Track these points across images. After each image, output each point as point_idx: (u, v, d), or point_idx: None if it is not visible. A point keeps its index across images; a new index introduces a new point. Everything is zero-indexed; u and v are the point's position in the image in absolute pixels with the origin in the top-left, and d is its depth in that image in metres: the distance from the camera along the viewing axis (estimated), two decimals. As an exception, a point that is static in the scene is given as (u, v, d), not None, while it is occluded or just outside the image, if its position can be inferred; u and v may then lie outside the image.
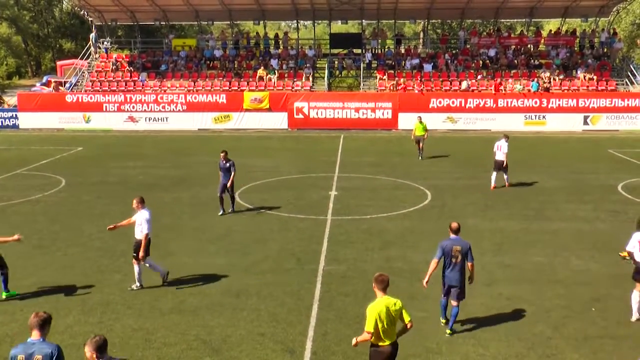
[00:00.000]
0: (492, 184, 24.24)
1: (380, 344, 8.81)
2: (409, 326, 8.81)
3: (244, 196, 23.17)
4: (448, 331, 11.89)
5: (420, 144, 30.68)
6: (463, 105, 41.74)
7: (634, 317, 12.31)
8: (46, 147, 35.68)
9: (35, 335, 7.37)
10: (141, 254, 13.68)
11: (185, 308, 13.08)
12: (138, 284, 14.05)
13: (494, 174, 24.23)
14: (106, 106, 43.48)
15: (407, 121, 39.03)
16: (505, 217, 20.12)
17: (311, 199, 22.77)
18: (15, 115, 44.61)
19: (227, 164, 20.29)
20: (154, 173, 27.96)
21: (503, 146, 24.05)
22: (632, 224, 18.60)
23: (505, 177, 24.46)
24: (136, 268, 13.98)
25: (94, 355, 6.95)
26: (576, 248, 16.87)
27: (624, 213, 20.48)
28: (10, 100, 52.20)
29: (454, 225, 11.96)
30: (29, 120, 44.00)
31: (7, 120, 44.79)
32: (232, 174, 20.27)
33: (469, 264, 11.65)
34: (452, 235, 11.85)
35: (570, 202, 21.98)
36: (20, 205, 22.24)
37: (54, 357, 7.23)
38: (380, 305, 8.69)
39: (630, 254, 12.53)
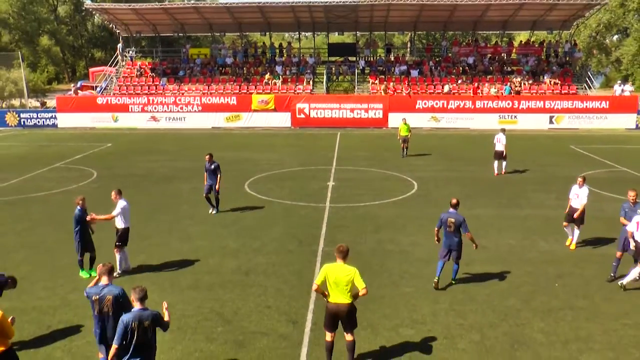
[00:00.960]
0: (495, 172, 25.19)
1: (329, 300, 9.12)
2: (361, 293, 8.95)
3: (252, 186, 23.13)
4: (453, 281, 13.02)
5: (405, 144, 29.94)
6: (445, 106, 41.65)
7: (624, 281, 12.64)
8: (80, 144, 35.56)
9: (104, 280, 8.46)
10: (92, 217, 13.62)
11: (201, 285, 13.07)
12: (119, 270, 13.67)
13: (495, 162, 25.17)
14: (132, 107, 43.38)
15: (396, 120, 38.49)
16: (481, 205, 20.09)
17: (311, 188, 22.70)
18: (55, 115, 44.53)
19: (212, 166, 18.77)
20: (174, 166, 27.88)
21: (502, 139, 24.90)
22: (590, 211, 18.61)
23: (504, 164, 25.20)
24: (117, 256, 13.75)
25: (136, 303, 7.81)
26: (543, 232, 16.86)
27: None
28: (50, 102, 52.13)
29: (453, 201, 12.94)
30: (66, 120, 43.93)
31: (48, 120, 44.69)
32: (219, 176, 18.75)
33: (467, 234, 12.56)
34: (451, 209, 12.82)
35: (538, 192, 21.95)
36: (59, 194, 22.18)
37: (121, 297, 8.33)
38: (332, 267, 9.07)
39: (632, 234, 12.69)
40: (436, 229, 12.87)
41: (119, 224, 13.72)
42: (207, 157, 18.98)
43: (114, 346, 7.67)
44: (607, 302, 12.01)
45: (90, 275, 13.36)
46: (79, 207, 13.42)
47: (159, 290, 12.56)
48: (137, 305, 7.79)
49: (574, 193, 15.51)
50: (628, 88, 44.45)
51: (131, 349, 7.68)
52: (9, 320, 8.12)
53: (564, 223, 15.71)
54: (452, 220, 12.54)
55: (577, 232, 15.47)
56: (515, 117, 41.34)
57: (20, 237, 16.78)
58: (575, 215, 15.21)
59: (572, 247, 15.46)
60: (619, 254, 13.15)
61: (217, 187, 18.83)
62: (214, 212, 19.17)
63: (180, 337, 10.55)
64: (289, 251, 15.37)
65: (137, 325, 7.63)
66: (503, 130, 25.61)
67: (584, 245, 15.67)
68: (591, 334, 10.59)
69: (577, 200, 15.36)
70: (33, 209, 20.07)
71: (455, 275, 13.03)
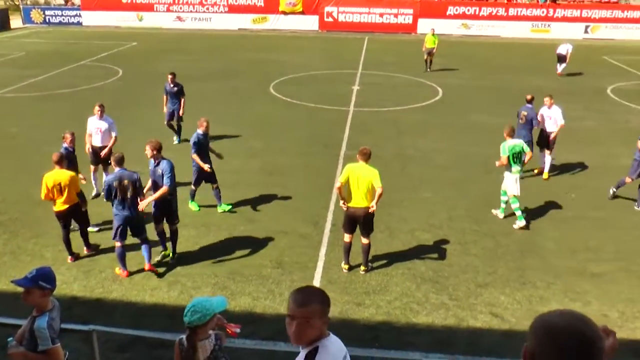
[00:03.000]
0: (558, 71, 26.96)
1: (348, 204, 9.29)
2: (377, 193, 9.04)
3: (277, 88, 23.12)
4: (545, 175, 14.06)
5: (430, 56, 27.40)
6: (477, 13, 40.52)
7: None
8: (106, 42, 35.46)
9: (117, 168, 9.19)
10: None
11: (225, 183, 13.32)
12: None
13: (558, 65, 26.99)
14: (157, 7, 42.87)
15: (426, 26, 37.99)
16: (506, 114, 19.69)
17: (336, 92, 22.62)
18: (79, 14, 44.22)
19: (175, 88, 15.99)
20: (200, 66, 27.80)
21: (569, 49, 26.64)
22: (616, 123, 18.49)
23: (562, 66, 26.87)
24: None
25: (115, 166, 9.23)
26: (565, 143, 16.66)
27: (609, 113, 20.17)
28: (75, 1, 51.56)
29: (528, 97, 14.08)
30: (90, 18, 43.63)
31: (72, 18, 44.41)
32: (182, 99, 16.05)
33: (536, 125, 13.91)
34: (527, 104, 13.95)
35: (565, 102, 21.39)
36: (86, 91, 22.47)
37: (137, 181, 9.21)
38: (355, 167, 9.24)
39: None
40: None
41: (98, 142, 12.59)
42: (170, 76, 16.10)
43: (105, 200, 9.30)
44: (621, 214, 12.10)
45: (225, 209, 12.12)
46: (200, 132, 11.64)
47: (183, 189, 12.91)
48: (116, 168, 9.17)
49: (546, 116, 14.07)
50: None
51: (117, 203, 9.17)
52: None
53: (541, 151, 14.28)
54: (525, 113, 13.76)
55: (549, 158, 14.15)
56: (548, 25, 40.09)
57: (50, 130, 17.10)
58: (552, 137, 13.98)
59: (545, 176, 14.10)
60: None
61: (180, 112, 16.12)
62: (176, 141, 16.28)
63: (204, 233, 10.97)
64: (312, 153, 15.57)
65: (118, 184, 9.03)
66: (569, 44, 27.15)
67: (604, 157, 15.59)
68: (601, 244, 10.75)
69: (550, 122, 13.99)
70: (60, 105, 20.41)
71: (548, 169, 14.11)
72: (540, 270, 9.76)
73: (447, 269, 9.79)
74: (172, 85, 16.01)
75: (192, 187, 11.95)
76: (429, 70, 27.46)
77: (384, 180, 9.24)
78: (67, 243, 9.84)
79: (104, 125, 12.47)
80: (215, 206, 12.03)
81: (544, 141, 14.16)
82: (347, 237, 9.58)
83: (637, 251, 10.51)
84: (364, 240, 9.51)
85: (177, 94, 16.02)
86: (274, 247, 10.47)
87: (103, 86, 23.21)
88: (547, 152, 14.14)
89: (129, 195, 9.14)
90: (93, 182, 12.62)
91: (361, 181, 9.06)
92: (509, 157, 11.45)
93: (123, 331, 7.64)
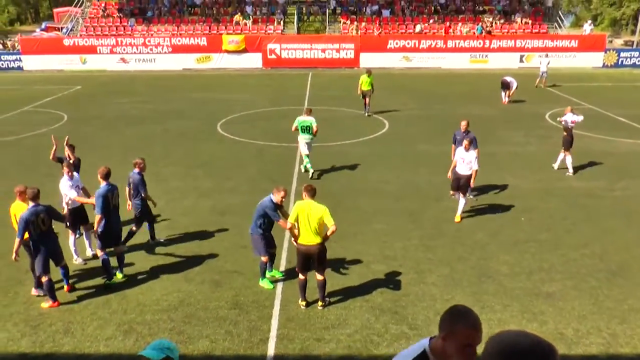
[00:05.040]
0: (503, 100, 28.14)
1: (299, 241, 9.23)
2: (330, 231, 8.96)
3: (225, 127, 23.01)
4: (457, 218, 13.31)
5: (367, 99, 24.90)
6: (417, 46, 41.47)
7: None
8: (48, 87, 34.73)
9: (32, 203, 9.31)
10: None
11: (177, 225, 13.14)
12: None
13: (502, 92, 28.28)
14: (100, 49, 42.33)
15: (368, 60, 39.40)
16: (451, 142, 20.21)
17: (284, 128, 22.58)
18: (20, 58, 43.23)
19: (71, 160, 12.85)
20: (146, 108, 27.50)
21: (514, 84, 27.71)
22: (556, 147, 19.07)
23: (507, 94, 27.99)
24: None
25: (30, 202, 9.32)
26: (510, 168, 17.17)
27: (550, 137, 20.81)
28: (11, 44, 50.39)
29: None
30: (31, 63, 42.67)
31: (12, 62, 43.35)
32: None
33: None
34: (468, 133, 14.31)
35: (507, 129, 22.21)
36: (30, 138, 21.83)
37: (51, 212, 9.49)
38: (304, 204, 9.12)
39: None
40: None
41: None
42: (68, 150, 13.11)
43: (17, 240, 9.15)
44: (569, 234, 12.41)
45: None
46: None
47: (137, 236, 12.58)
48: (30, 204, 9.29)
49: (459, 157, 13.24)
50: (587, 27, 45.11)
51: (36, 239, 9.31)
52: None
53: (451, 192, 13.90)
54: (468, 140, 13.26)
55: (463, 201, 13.32)
56: (486, 56, 41.47)
57: (-8, 181, 16.54)
58: (471, 184, 13.15)
59: (458, 219, 13.28)
60: None
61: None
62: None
63: (158, 278, 10.68)
64: (262, 191, 15.22)
65: (35, 219, 9.17)
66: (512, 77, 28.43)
67: (549, 180, 16.04)
68: (553, 265, 10.98)
69: (464, 165, 13.10)
70: (3, 153, 19.76)
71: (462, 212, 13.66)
72: (497, 294, 9.85)
73: (405, 298, 9.78)
74: (69, 158, 12.89)
75: (262, 258, 10.33)
76: (367, 113, 25.15)
77: (337, 214, 9.24)
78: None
79: (77, 183, 11.45)
80: (169, 252, 11.76)
81: (457, 183, 13.36)
82: (301, 276, 9.48)
83: (583, 269, 10.78)
84: (319, 277, 9.42)
85: (76, 168, 12.58)
86: (230, 288, 10.26)
87: (47, 132, 22.58)
88: (462, 195, 13.32)
89: (45, 228, 9.41)
90: (73, 248, 11.40)
91: (312, 218, 9.00)
92: (298, 127, 16.36)
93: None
